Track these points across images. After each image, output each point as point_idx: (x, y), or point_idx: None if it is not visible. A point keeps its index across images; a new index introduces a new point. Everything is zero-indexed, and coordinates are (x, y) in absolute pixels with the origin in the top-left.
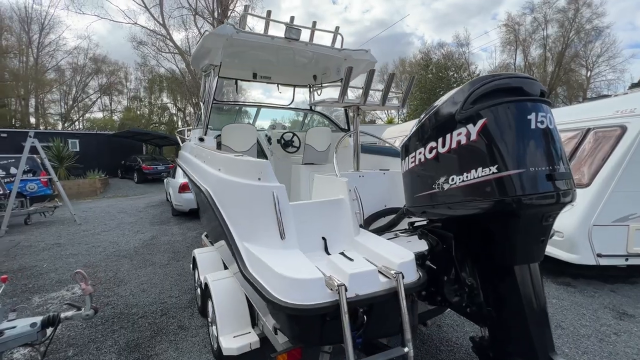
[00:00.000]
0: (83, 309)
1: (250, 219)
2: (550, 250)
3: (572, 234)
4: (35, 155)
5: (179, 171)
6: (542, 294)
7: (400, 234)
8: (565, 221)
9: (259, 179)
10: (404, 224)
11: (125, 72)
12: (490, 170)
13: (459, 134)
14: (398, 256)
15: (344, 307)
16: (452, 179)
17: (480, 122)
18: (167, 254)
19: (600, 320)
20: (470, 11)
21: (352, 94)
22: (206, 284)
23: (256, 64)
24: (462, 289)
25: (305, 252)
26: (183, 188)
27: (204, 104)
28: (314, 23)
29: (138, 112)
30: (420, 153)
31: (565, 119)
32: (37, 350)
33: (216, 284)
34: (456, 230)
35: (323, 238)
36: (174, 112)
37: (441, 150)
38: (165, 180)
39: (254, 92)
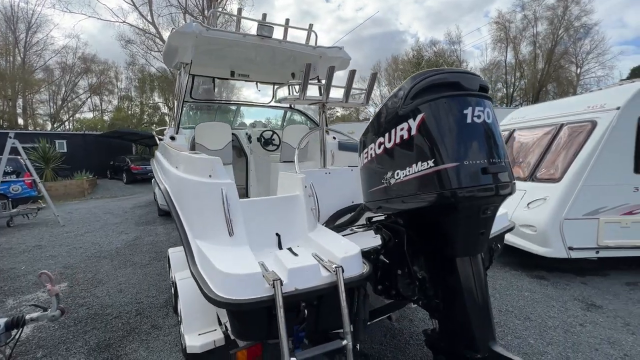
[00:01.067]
0: (49, 309)
1: (201, 216)
2: (524, 243)
3: (544, 227)
4: (18, 157)
5: None
6: (485, 286)
7: (357, 230)
8: (538, 215)
9: (210, 176)
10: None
11: (116, 71)
12: (428, 164)
13: (402, 129)
14: (343, 250)
15: (279, 302)
16: (397, 174)
17: (419, 117)
18: (149, 254)
19: (568, 312)
20: (463, 9)
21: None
22: (175, 283)
23: (233, 61)
24: (413, 283)
25: (258, 249)
26: None
27: (177, 102)
28: (287, 20)
29: (129, 112)
30: (371, 148)
31: (542, 114)
32: (1, 352)
33: (182, 282)
34: (408, 224)
35: (277, 234)
36: (165, 111)
37: (387, 145)
38: (152, 180)
39: (247, 91)
